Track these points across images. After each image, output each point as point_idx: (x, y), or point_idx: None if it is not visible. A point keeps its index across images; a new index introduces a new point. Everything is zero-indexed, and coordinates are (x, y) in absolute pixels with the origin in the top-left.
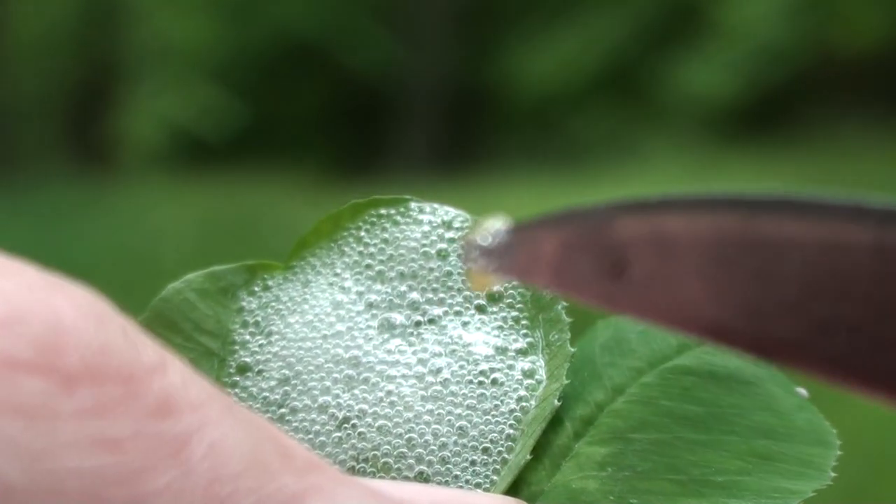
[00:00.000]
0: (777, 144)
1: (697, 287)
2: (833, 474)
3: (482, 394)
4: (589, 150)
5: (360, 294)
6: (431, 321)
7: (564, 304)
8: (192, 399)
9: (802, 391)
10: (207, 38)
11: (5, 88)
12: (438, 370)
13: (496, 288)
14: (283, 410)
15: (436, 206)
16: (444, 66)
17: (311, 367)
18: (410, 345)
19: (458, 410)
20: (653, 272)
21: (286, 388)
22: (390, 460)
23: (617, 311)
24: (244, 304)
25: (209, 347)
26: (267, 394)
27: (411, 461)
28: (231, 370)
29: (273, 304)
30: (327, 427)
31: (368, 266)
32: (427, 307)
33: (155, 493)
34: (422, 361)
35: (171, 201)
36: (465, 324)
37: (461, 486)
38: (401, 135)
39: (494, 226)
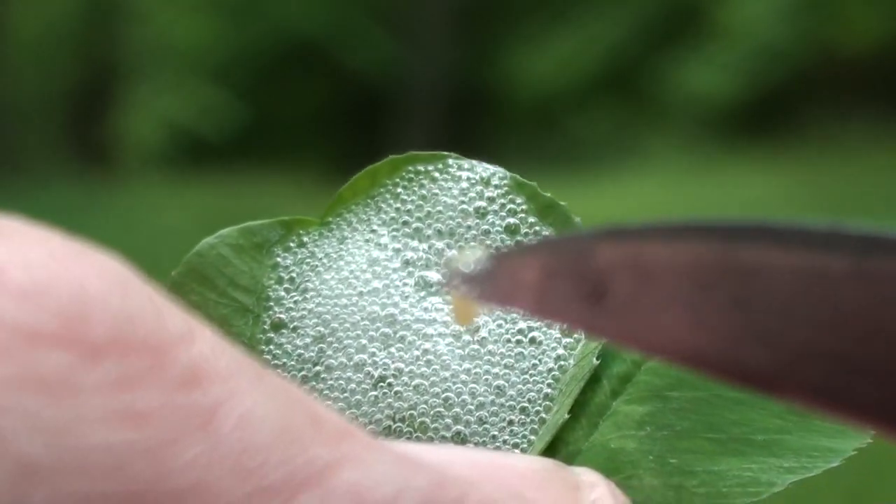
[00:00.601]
0: (777, 144)
1: (676, 314)
2: (872, 432)
3: (520, 353)
4: (589, 149)
5: (396, 251)
6: None
7: None
8: (222, 369)
9: None
10: (208, 38)
11: (6, 88)
12: (476, 329)
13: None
14: (318, 368)
15: (474, 162)
16: (445, 65)
17: (346, 325)
18: (447, 303)
19: (496, 370)
20: (631, 298)
21: (321, 345)
22: (427, 420)
23: (597, 337)
24: (279, 259)
25: (244, 303)
26: (302, 351)
27: (448, 421)
28: (266, 327)
29: (308, 260)
30: (363, 386)
31: (405, 223)
32: None
33: (183, 467)
34: None
35: (172, 201)
36: None
37: (498, 447)
38: (401, 134)
39: (476, 254)
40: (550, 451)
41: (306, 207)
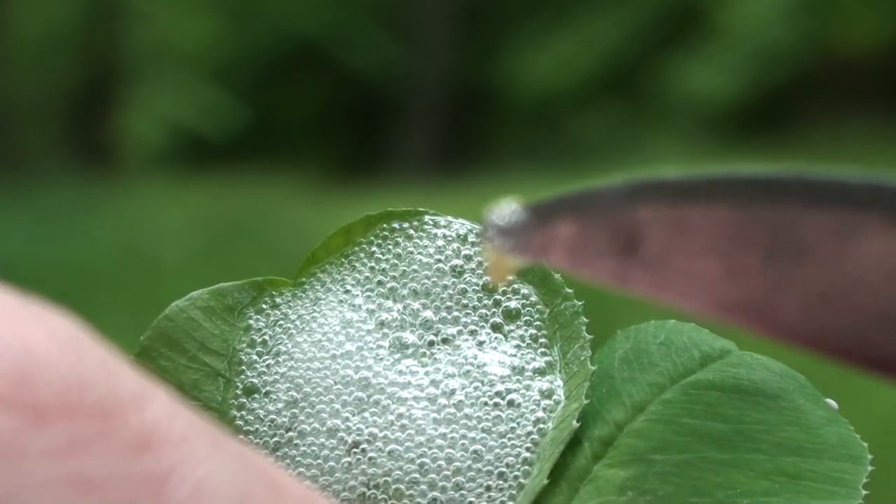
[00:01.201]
0: (777, 145)
1: (710, 265)
2: (865, 492)
3: (498, 416)
4: (590, 150)
5: (370, 312)
6: (445, 341)
7: (585, 320)
8: (175, 434)
9: (832, 403)
10: (209, 38)
11: (7, 89)
12: (452, 392)
13: (514, 304)
14: (290, 434)
15: (451, 219)
16: (445, 66)
17: (319, 389)
18: (423, 365)
19: (473, 434)
20: (666, 250)
21: (294, 410)
22: (402, 486)
23: (631, 289)
24: (251, 322)
25: (215, 368)
26: (274, 416)
27: (424, 487)
28: (238, 391)
29: (281, 322)
30: (336, 452)
31: (380, 283)
32: (441, 326)
33: None
34: (434, 383)
35: (173, 202)
36: (480, 343)
37: None
38: (402, 135)
39: (511, 206)
40: None
41: (307, 208)
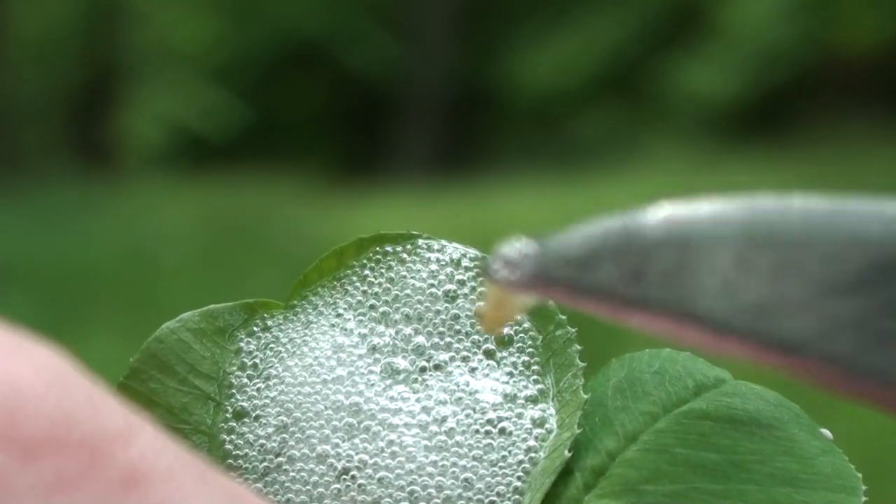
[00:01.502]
0: (777, 145)
1: (710, 285)
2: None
3: (489, 444)
4: (590, 150)
5: (362, 337)
6: (437, 367)
7: (578, 347)
8: (162, 469)
9: (827, 433)
10: (210, 38)
11: (8, 89)
12: (443, 419)
13: (507, 330)
14: (280, 459)
15: (444, 243)
16: (446, 66)
17: (310, 414)
18: (414, 392)
19: (464, 462)
20: (670, 273)
21: (284, 435)
22: None
23: (632, 320)
24: (242, 345)
25: (205, 391)
26: (264, 441)
27: None
28: (228, 415)
29: (272, 345)
30: (326, 478)
31: (372, 307)
32: (433, 352)
33: None
34: (426, 409)
35: (173, 201)
36: (472, 370)
37: None
38: (402, 135)
39: (521, 241)
40: None
41: (307, 208)
